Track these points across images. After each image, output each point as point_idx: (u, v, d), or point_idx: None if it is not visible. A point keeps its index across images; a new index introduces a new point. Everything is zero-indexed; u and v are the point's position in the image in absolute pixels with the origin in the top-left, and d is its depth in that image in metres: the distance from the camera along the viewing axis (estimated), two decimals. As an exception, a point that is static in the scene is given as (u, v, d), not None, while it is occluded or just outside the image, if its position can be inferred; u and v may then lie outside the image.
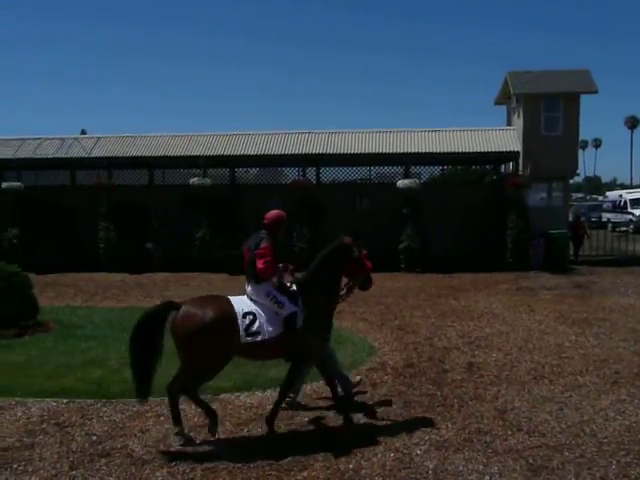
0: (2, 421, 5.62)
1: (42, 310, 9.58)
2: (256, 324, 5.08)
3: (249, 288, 5.34)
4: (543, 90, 17.42)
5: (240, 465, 4.69)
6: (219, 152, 17.77)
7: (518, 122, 18.05)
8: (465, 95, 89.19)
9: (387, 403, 5.96)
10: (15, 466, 4.71)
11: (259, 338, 5.08)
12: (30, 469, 4.67)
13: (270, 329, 5.10)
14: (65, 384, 6.58)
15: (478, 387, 6.48)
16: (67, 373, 6.99)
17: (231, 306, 5.15)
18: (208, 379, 5.31)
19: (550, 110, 17.52)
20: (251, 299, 5.28)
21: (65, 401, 6.11)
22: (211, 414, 5.17)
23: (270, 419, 5.28)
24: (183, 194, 17.58)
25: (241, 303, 5.22)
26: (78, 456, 4.88)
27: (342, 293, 5.66)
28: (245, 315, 5.10)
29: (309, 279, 5.50)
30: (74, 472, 4.61)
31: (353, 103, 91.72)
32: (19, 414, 5.78)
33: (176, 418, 5.15)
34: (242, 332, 5.04)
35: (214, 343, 4.99)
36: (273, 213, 5.65)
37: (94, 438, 5.22)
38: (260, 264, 5.17)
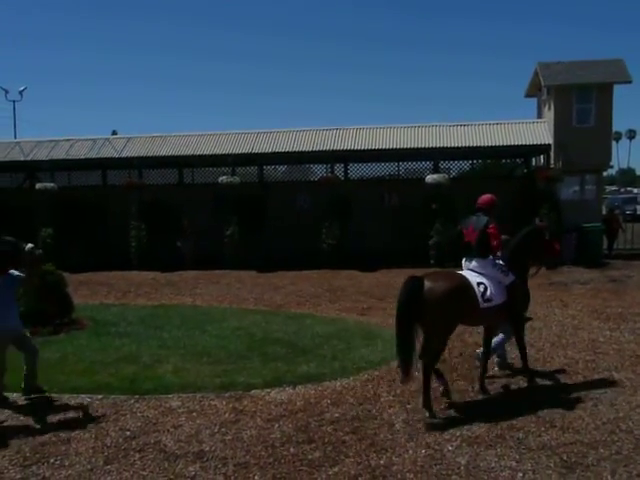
0: (39, 416, 5.76)
1: (76, 308, 9.78)
2: (488, 291, 5.77)
3: (473, 263, 6.04)
4: (575, 81, 17.07)
5: (271, 460, 4.72)
6: (247, 150, 17.87)
7: (549, 114, 17.72)
8: (494, 88, 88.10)
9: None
10: (52, 460, 4.82)
11: (493, 304, 5.78)
12: (66, 463, 4.77)
13: (499, 296, 5.82)
14: (99, 380, 6.71)
15: (510, 383, 6.39)
16: (101, 369, 7.13)
17: (466, 277, 5.85)
18: (445, 346, 5.91)
19: (582, 101, 17.16)
20: (474, 272, 5.95)
21: (99, 397, 6.23)
22: (442, 381, 5.83)
23: (481, 385, 6.03)
24: (212, 192, 17.75)
25: (470, 275, 5.89)
26: (112, 451, 4.97)
27: (532, 272, 6.47)
28: (478, 284, 5.78)
29: (509, 257, 6.16)
30: (109, 466, 4.70)
31: (379, 99, 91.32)
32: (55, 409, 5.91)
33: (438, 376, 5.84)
34: (480, 299, 5.71)
35: (457, 309, 5.62)
36: (486, 198, 6.50)
37: (128, 433, 5.31)
38: (493, 241, 5.98)
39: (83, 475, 4.57)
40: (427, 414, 5.45)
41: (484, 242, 5.97)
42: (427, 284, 5.62)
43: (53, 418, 5.70)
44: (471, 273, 5.94)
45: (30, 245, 6.09)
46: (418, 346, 5.63)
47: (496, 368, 6.77)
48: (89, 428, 5.44)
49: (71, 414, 5.78)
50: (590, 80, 17.03)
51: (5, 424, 5.61)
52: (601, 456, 4.64)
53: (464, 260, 6.18)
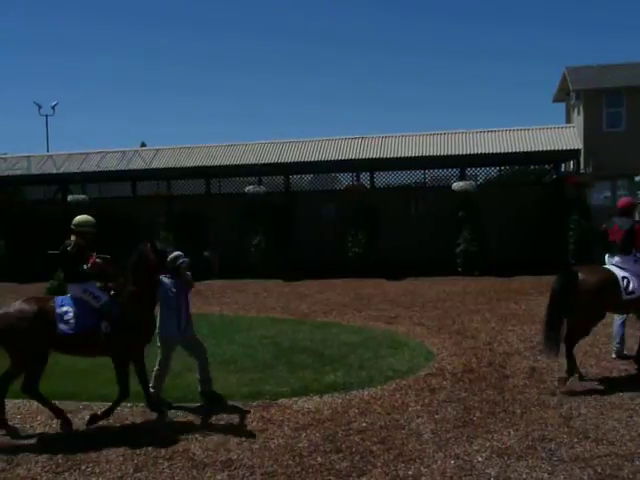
0: (73, 424, 5.84)
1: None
2: (631, 285, 6.42)
3: (616, 258, 6.69)
4: (604, 85, 16.82)
5: (298, 470, 4.71)
6: (273, 160, 17.99)
7: (578, 119, 17.47)
8: (521, 94, 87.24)
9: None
10: (83, 467, 4.89)
11: (634, 296, 6.43)
12: (97, 470, 4.84)
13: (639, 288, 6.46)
14: (130, 389, 6.78)
15: (541, 393, 6.27)
16: (131, 378, 7.20)
17: (613, 272, 6.52)
18: (588, 332, 6.74)
19: (612, 105, 16.89)
20: (617, 267, 6.59)
21: (129, 405, 6.29)
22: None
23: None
24: (239, 202, 17.90)
25: (616, 270, 6.53)
26: (142, 458, 5.02)
27: None
28: (623, 278, 6.44)
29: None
30: (138, 474, 4.74)
31: (406, 106, 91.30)
32: (86, 417, 5.99)
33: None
34: (622, 291, 6.40)
35: (605, 300, 6.37)
36: (625, 200, 7.17)
37: (157, 441, 5.35)
38: (638, 240, 6.62)
39: (113, 483, 4.62)
40: (571, 377, 6.36)
41: (629, 240, 6.61)
42: (581, 276, 6.37)
43: (84, 425, 5.78)
44: (616, 268, 6.59)
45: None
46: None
47: (614, 355, 7.41)
48: (119, 436, 5.50)
49: (101, 422, 5.85)
50: (620, 83, 16.75)
51: (42, 432, 5.71)
52: (637, 469, 4.52)
53: (607, 256, 6.88)
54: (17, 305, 5.73)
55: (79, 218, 6.22)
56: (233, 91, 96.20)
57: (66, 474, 4.78)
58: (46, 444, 5.37)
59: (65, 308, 5.72)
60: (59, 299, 5.86)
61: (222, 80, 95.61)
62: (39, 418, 6.03)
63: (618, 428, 5.27)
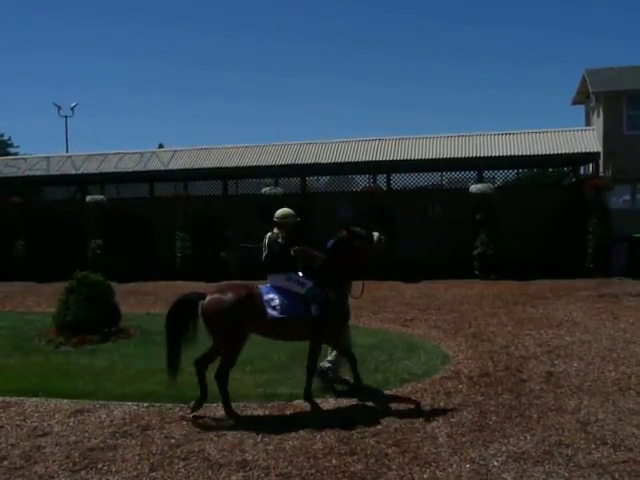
0: (87, 423, 5.91)
1: (124, 317, 10.02)
2: None
3: None
4: (624, 87, 16.64)
5: (313, 472, 4.71)
6: (290, 161, 18.04)
7: (598, 122, 17.31)
8: (540, 97, 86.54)
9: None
10: (100, 466, 4.93)
11: None
12: (113, 469, 4.88)
13: None
14: (146, 388, 6.84)
15: (558, 398, 6.21)
16: (147, 377, 7.26)
17: None
18: None
19: (633, 108, 16.71)
20: None
21: (145, 405, 6.34)
22: None
23: None
24: (256, 203, 17.97)
25: None
26: (158, 458, 5.05)
27: None
28: None
29: None
30: (154, 474, 4.77)
31: (423, 108, 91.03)
32: (103, 416, 6.06)
33: None
34: None
35: None
36: None
37: (173, 441, 5.39)
38: None
39: (129, 481, 4.66)
40: None
41: None
42: None
43: (101, 425, 5.84)
44: None
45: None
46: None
47: None
48: (135, 435, 5.55)
49: (118, 421, 5.91)
50: (641, 86, 16.57)
51: (60, 430, 5.77)
52: (656, 476, 4.46)
53: None
54: (226, 291, 6.02)
55: (282, 211, 6.44)
56: (251, 92, 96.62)
57: (82, 472, 4.83)
58: (63, 443, 5.43)
59: (271, 295, 6.04)
60: (263, 287, 6.18)
61: (240, 81, 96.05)
62: (56, 416, 6.10)
63: (637, 434, 5.19)
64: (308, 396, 6.25)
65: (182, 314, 6.07)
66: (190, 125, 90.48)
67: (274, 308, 5.97)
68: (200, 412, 6.07)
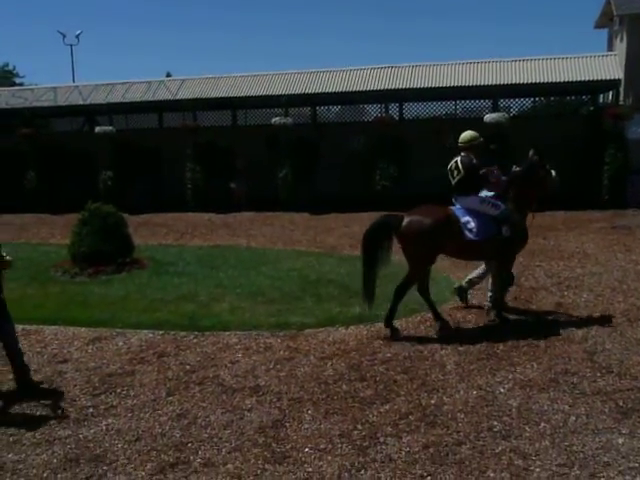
0: (106, 350, 6.10)
1: (137, 248, 10.14)
2: None
3: None
4: (650, 9, 15.87)
5: (324, 397, 4.86)
6: (300, 90, 17.62)
7: (621, 47, 16.63)
8: (562, 22, 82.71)
9: None
10: (118, 390, 5.12)
11: None
12: (132, 394, 5.07)
13: None
14: (160, 317, 7.01)
15: (566, 328, 6.29)
16: (161, 307, 7.43)
17: None
18: None
19: (658, 32, 15.97)
20: None
21: (161, 332, 6.51)
22: None
23: None
24: (265, 134, 17.73)
25: None
26: (174, 383, 5.23)
27: None
28: None
29: None
30: (171, 398, 4.96)
31: (439, 40, 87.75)
32: (120, 344, 6.24)
33: None
34: None
35: None
36: None
37: (188, 367, 5.56)
38: None
39: (147, 404, 4.84)
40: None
41: None
42: None
43: (118, 352, 6.02)
44: None
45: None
46: None
47: None
48: (152, 361, 5.73)
49: (134, 348, 6.08)
50: (668, 8, 15.79)
51: (79, 356, 5.96)
52: (659, 403, 4.56)
53: None
54: (424, 213, 6.26)
55: (469, 134, 6.62)
56: (258, 27, 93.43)
57: (102, 396, 5.02)
58: (83, 369, 5.62)
59: (467, 218, 6.24)
60: (456, 210, 6.36)
61: (247, 17, 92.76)
62: (75, 344, 6.29)
63: (643, 363, 5.28)
64: (499, 313, 6.54)
65: (380, 236, 6.23)
66: (197, 59, 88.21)
67: (470, 231, 6.19)
68: (213, 339, 6.23)
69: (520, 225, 6.45)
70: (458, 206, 6.43)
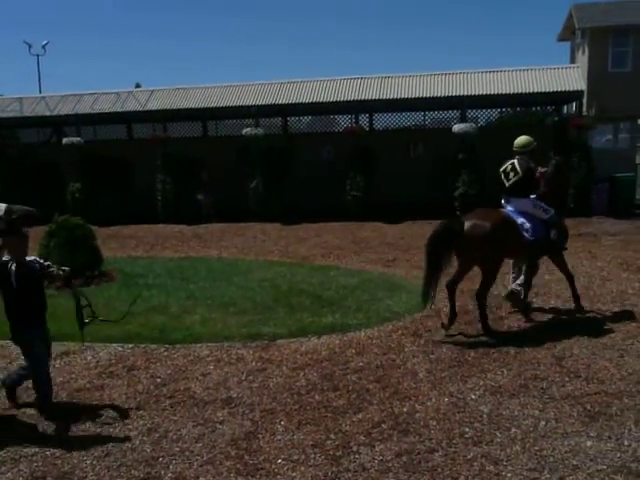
0: (74, 364, 5.98)
1: (106, 261, 9.98)
2: None
3: None
4: (611, 22, 16.35)
5: (297, 407, 4.84)
6: (271, 101, 17.66)
7: (583, 59, 17.09)
8: (526, 35, 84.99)
9: None
10: (92, 404, 5.01)
11: None
12: (101, 406, 4.96)
13: None
14: (130, 330, 6.90)
15: (535, 334, 6.38)
16: (131, 320, 7.28)
17: None
18: None
19: (619, 45, 16.48)
20: None
21: (130, 346, 6.42)
22: None
23: None
24: (236, 145, 17.69)
25: None
26: (144, 397, 5.15)
27: None
28: None
29: None
30: (141, 412, 4.87)
31: (407, 49, 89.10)
32: (89, 358, 6.13)
33: None
34: None
35: None
36: None
37: (158, 380, 5.48)
38: None
39: (117, 419, 4.75)
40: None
41: None
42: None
43: (87, 366, 5.90)
44: None
45: None
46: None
47: None
48: (121, 375, 5.63)
49: (104, 362, 5.97)
50: (628, 21, 16.28)
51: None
52: (625, 406, 4.65)
53: None
54: (484, 216, 6.41)
55: (525, 140, 6.89)
56: (228, 35, 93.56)
57: (70, 412, 4.91)
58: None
59: (521, 219, 6.48)
60: (510, 212, 6.59)
61: (217, 24, 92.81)
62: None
63: (609, 367, 5.39)
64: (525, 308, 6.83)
65: (443, 241, 6.29)
66: (166, 68, 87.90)
67: (527, 231, 6.42)
68: (184, 351, 6.16)
69: (561, 225, 6.88)
70: (509, 208, 6.68)
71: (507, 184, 6.76)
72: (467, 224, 6.31)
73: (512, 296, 7.21)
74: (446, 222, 6.51)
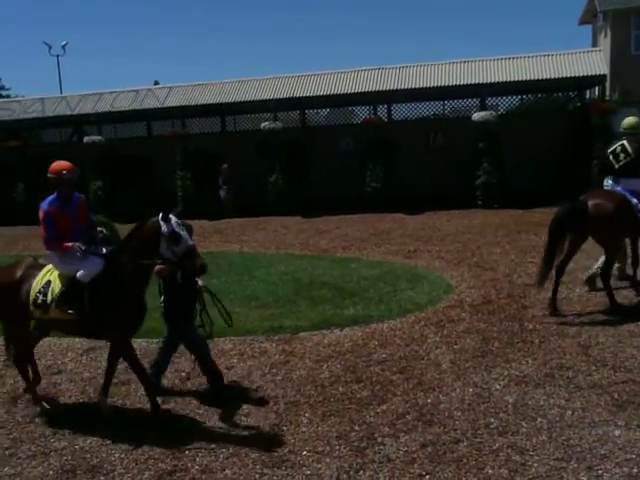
0: (100, 360, 6.04)
1: (129, 257, 10.06)
2: None
3: None
4: (633, 4, 15.99)
5: (321, 399, 4.85)
6: (288, 94, 17.64)
7: (605, 42, 16.76)
8: (544, 19, 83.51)
9: None
10: (115, 399, 5.09)
11: None
12: (128, 403, 5.04)
13: None
14: (154, 325, 6.93)
15: (560, 323, 6.31)
16: (155, 315, 7.36)
17: None
18: None
19: (641, 26, 16.11)
20: None
21: (155, 341, 6.45)
22: None
23: None
24: (255, 139, 17.72)
25: None
26: (169, 391, 5.20)
27: None
28: None
29: None
30: (166, 406, 4.93)
31: (425, 38, 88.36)
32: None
33: None
34: None
35: None
36: None
37: (183, 375, 5.54)
38: None
39: (144, 414, 4.81)
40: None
41: None
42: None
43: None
44: None
45: None
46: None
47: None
48: (147, 370, 5.68)
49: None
50: (650, 3, 15.93)
51: (69, 368, 5.92)
52: (654, 394, 4.58)
53: None
54: (603, 196, 6.52)
55: (633, 120, 6.89)
56: (245, 30, 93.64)
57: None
58: (77, 379, 5.57)
59: (634, 199, 6.51)
60: (623, 192, 6.59)
61: (233, 20, 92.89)
62: (69, 355, 6.25)
63: (636, 356, 5.30)
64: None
65: (567, 222, 6.44)
66: (185, 64, 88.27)
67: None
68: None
69: None
70: (618, 188, 6.69)
71: (617, 165, 6.81)
72: (591, 204, 6.40)
73: (589, 281, 7.32)
74: (569, 203, 6.58)
